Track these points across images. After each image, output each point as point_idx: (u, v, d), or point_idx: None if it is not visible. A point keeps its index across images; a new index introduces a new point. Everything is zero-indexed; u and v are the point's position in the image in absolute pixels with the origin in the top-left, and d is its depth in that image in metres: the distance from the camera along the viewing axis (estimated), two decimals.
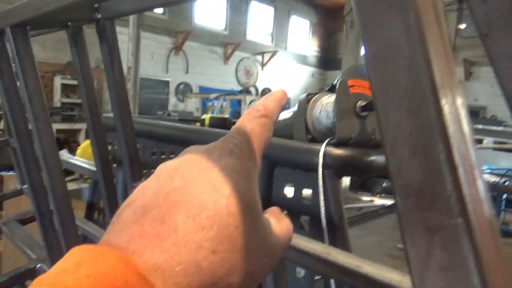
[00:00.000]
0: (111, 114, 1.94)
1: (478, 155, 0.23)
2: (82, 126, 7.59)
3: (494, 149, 8.09)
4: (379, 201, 8.25)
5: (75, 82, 7.71)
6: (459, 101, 0.23)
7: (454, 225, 0.20)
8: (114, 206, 1.27)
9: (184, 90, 10.34)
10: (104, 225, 1.66)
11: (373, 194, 8.78)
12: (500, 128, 8.80)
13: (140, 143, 1.46)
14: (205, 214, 0.24)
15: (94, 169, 1.39)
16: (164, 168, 0.29)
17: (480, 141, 8.65)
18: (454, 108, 0.22)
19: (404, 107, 0.23)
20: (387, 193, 8.80)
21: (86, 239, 1.56)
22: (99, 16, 1.01)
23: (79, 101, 7.80)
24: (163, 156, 1.50)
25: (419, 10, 0.22)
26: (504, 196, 6.57)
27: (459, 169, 0.21)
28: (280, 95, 0.36)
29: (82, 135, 7.64)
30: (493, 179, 6.85)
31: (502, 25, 0.41)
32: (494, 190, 6.54)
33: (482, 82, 10.31)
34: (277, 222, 0.33)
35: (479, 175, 0.22)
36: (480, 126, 8.75)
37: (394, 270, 0.60)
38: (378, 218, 7.25)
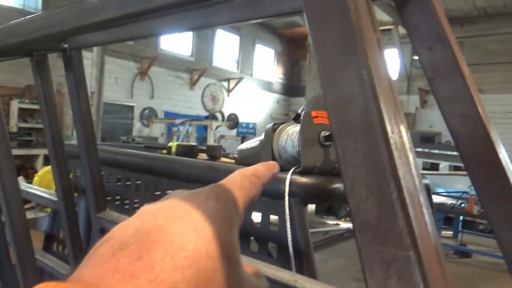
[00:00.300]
0: (73, 142, 1.90)
1: (425, 192, 0.26)
2: (40, 152, 7.27)
3: (450, 175, 8.48)
4: (344, 224, 8.39)
5: (33, 106, 7.43)
6: (408, 145, 0.26)
7: (406, 257, 0.23)
8: (76, 237, 1.22)
9: (149, 115, 10.21)
10: (63, 258, 1.59)
11: (338, 217, 8.93)
12: (454, 153, 9.31)
13: (104, 171, 1.43)
14: (184, 254, 0.24)
15: (55, 198, 1.35)
16: (148, 208, 0.28)
17: (437, 165, 9.09)
18: (404, 152, 0.25)
19: (361, 151, 0.26)
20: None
21: (44, 272, 1.48)
22: (66, 46, 1.01)
23: (37, 126, 7.51)
24: (128, 183, 1.47)
25: (371, 67, 0.26)
26: (461, 217, 6.89)
27: (409, 206, 0.24)
28: (272, 165, 0.38)
29: (39, 161, 7.31)
30: (450, 201, 7.16)
31: (446, 71, 0.46)
32: (452, 212, 6.85)
33: (436, 109, 10.83)
34: (255, 278, 0.33)
35: (427, 211, 0.25)
36: (436, 151, 9.23)
37: None
38: (343, 241, 7.30)
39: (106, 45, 5.38)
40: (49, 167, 4.51)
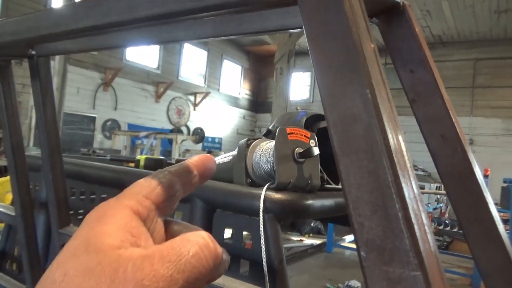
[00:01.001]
0: (32, 153, 1.80)
1: (426, 213, 0.26)
2: None
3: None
4: (308, 240, 8.43)
5: None
6: (409, 164, 0.26)
7: (414, 277, 0.23)
8: (34, 255, 1.15)
9: (111, 127, 9.92)
10: (18, 276, 1.48)
11: (302, 233, 8.98)
12: (420, 172, 9.70)
13: (67, 185, 1.36)
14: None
15: (12, 213, 1.26)
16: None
17: None
18: (406, 171, 0.26)
19: (365, 169, 0.26)
20: (315, 232, 9.06)
21: None
22: (33, 52, 0.97)
23: None
24: (92, 196, 1.41)
25: (374, 86, 0.26)
26: None
27: (415, 226, 0.24)
28: (205, 158, 0.37)
29: None
30: None
31: (426, 94, 0.48)
32: None
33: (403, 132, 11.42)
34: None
35: (429, 232, 0.25)
36: None
37: None
38: (307, 257, 7.35)
39: (74, 53, 5.22)
40: (1, 180, 4.25)
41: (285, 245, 7.73)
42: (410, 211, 0.24)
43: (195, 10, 0.42)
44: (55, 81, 5.67)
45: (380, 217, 0.24)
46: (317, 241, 8.21)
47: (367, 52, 0.27)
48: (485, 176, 7.07)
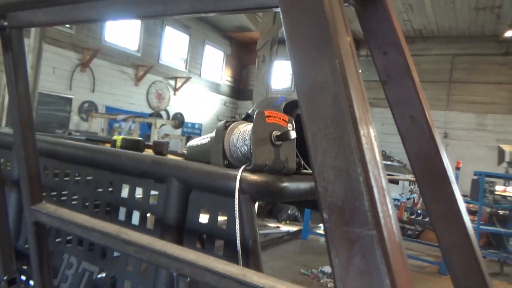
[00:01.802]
0: (3, 130, 1.74)
1: (386, 178, 0.28)
2: None
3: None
4: (284, 227, 8.55)
5: None
6: (372, 133, 0.27)
7: (370, 235, 0.24)
8: (4, 232, 1.13)
9: (88, 109, 9.68)
10: None
11: (279, 220, 9.09)
12: (388, 163, 9.94)
13: (40, 163, 1.34)
14: None
15: None
16: None
17: None
18: (370, 138, 0.27)
19: (331, 136, 0.27)
20: (292, 220, 9.19)
21: None
22: (5, 24, 0.94)
23: None
24: (66, 178, 1.39)
25: (342, 58, 0.27)
26: None
27: (374, 189, 0.25)
28: None
29: None
30: None
31: (398, 75, 0.49)
32: None
33: (374, 121, 11.46)
34: None
35: (388, 195, 0.27)
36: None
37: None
38: (283, 243, 7.46)
39: (49, 26, 5.03)
40: None
41: (262, 232, 7.82)
42: (371, 175, 0.25)
43: None
44: (30, 59, 5.48)
45: (342, 180, 0.25)
46: (293, 228, 8.34)
47: (337, 26, 0.28)
48: (457, 169, 7.30)
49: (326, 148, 0.26)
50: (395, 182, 9.15)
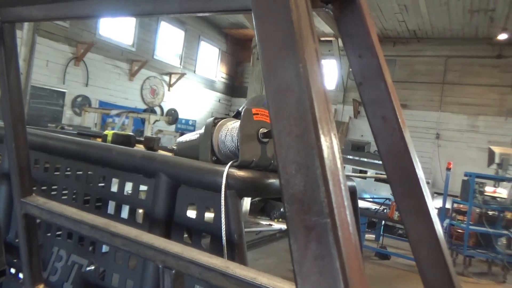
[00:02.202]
0: None
1: (344, 173, 0.30)
2: None
3: (376, 180, 9.11)
4: (276, 225, 8.60)
5: None
6: (332, 132, 0.30)
7: (324, 223, 0.27)
8: None
9: (82, 104, 9.64)
10: None
11: (271, 218, 9.13)
12: (381, 162, 9.99)
13: (30, 156, 1.35)
14: None
15: None
16: None
17: (365, 172, 9.70)
18: (329, 137, 0.29)
19: (294, 134, 0.29)
20: (284, 217, 9.24)
21: None
22: None
23: None
24: (57, 173, 1.40)
25: (306, 62, 0.30)
26: (383, 222, 7.43)
27: (330, 182, 0.28)
28: None
29: None
30: (374, 207, 7.67)
31: (371, 77, 0.52)
32: (375, 217, 7.34)
33: (365, 119, 11.75)
34: None
35: (344, 188, 0.29)
36: (365, 159, 9.86)
37: (286, 281, 0.67)
38: (275, 241, 7.48)
39: (42, 21, 5.00)
40: None
41: (254, 229, 7.85)
42: (327, 169, 0.28)
43: None
44: (23, 52, 5.44)
45: (302, 174, 0.28)
46: (285, 226, 8.38)
47: (303, 32, 0.30)
48: (448, 169, 7.39)
49: (289, 145, 0.28)
50: (386, 181, 9.23)
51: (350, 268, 0.26)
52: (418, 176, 0.50)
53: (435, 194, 10.54)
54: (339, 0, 0.51)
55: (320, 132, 0.28)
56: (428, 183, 5.96)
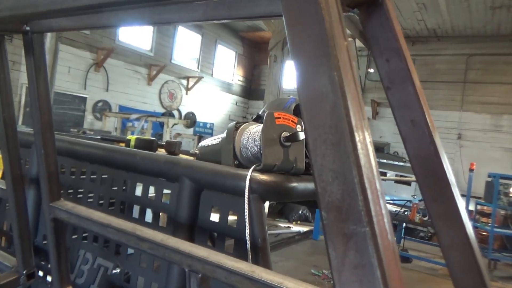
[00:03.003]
0: (23, 129, 1.80)
1: (380, 181, 0.30)
2: None
3: (396, 181, 8.96)
4: (295, 227, 8.56)
5: None
6: (368, 139, 0.30)
7: (363, 232, 0.27)
8: (24, 228, 1.18)
9: (102, 108, 9.84)
10: (7, 250, 1.51)
11: (290, 221, 9.11)
12: (401, 164, 9.87)
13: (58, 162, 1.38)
14: None
15: (3, 187, 1.28)
16: None
17: (384, 174, 9.57)
18: (365, 144, 0.29)
19: (329, 142, 0.29)
20: (303, 220, 9.20)
21: None
22: (28, 29, 0.98)
23: None
24: (83, 177, 1.44)
25: (341, 70, 0.30)
26: (404, 225, 7.30)
27: (368, 190, 0.28)
28: None
29: None
30: (395, 209, 7.56)
31: (400, 81, 0.51)
32: (396, 219, 7.23)
33: (387, 121, 11.54)
34: None
35: (381, 196, 0.29)
36: (384, 161, 9.72)
37: (313, 286, 0.67)
38: (294, 244, 7.46)
39: (68, 31, 5.13)
40: None
41: (273, 232, 7.85)
42: (365, 177, 0.28)
43: None
44: (47, 60, 5.60)
45: (340, 182, 0.28)
46: (304, 228, 8.34)
47: (337, 39, 0.30)
48: (471, 170, 7.21)
49: (325, 153, 0.28)
50: (407, 183, 9.08)
51: (391, 277, 0.26)
52: (449, 180, 0.49)
53: None
54: (365, 4, 0.51)
55: (357, 139, 0.28)
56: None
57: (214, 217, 1.10)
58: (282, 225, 8.70)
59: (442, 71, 11.30)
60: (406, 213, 7.26)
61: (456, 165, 10.92)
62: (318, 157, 0.29)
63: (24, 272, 1.21)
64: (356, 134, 0.28)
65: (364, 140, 0.29)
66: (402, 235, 7.41)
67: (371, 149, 0.29)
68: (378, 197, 0.28)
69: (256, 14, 0.60)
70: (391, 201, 8.40)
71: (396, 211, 7.45)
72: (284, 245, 7.04)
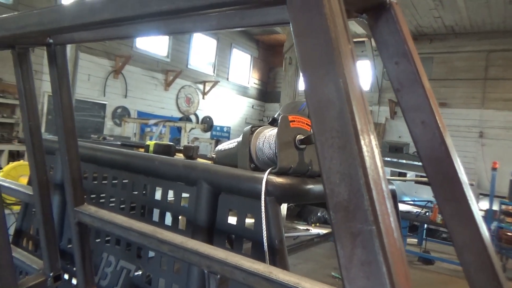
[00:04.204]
0: (47, 137, 1.87)
1: (386, 181, 0.31)
2: (5, 147, 7.01)
3: (416, 182, 8.81)
4: (314, 230, 8.51)
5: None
6: (374, 142, 0.31)
7: (369, 230, 0.28)
8: (50, 230, 1.23)
9: (121, 114, 10.05)
10: (34, 253, 1.57)
11: (309, 223, 9.06)
12: (421, 164, 9.66)
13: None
14: None
15: (30, 192, 1.34)
16: None
17: (405, 174, 9.42)
18: (370, 147, 0.31)
19: (336, 146, 0.31)
20: (322, 222, 9.13)
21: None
22: (51, 41, 1.03)
23: (2, 120, 7.24)
24: (104, 182, 1.48)
25: (346, 77, 0.31)
26: (425, 226, 7.17)
27: (373, 191, 0.29)
28: None
29: (4, 157, 7.03)
30: (416, 210, 7.42)
31: (409, 84, 0.52)
32: (416, 220, 7.10)
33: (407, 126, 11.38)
34: None
35: (387, 196, 0.30)
36: (404, 161, 9.57)
37: (329, 286, 0.68)
38: (313, 246, 7.41)
39: (89, 42, 5.30)
40: (14, 164, 4.37)
41: (291, 234, 7.83)
42: (370, 179, 0.29)
43: (201, 7, 0.47)
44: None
45: (346, 183, 0.30)
46: (323, 231, 8.29)
47: (342, 48, 0.32)
48: (493, 169, 7.03)
49: (332, 156, 0.30)
50: (428, 183, 8.90)
51: (397, 273, 0.27)
52: (461, 180, 0.50)
53: (481, 195, 10.04)
54: (373, 9, 0.52)
55: (362, 143, 0.29)
56: (472, 185, 5.69)
57: (232, 219, 1.12)
58: (301, 227, 8.67)
59: (461, 68, 11.08)
60: (427, 214, 7.13)
61: (478, 164, 10.66)
62: (326, 160, 0.31)
63: (51, 274, 1.25)
64: (361, 137, 0.29)
65: (370, 143, 0.30)
66: (424, 237, 7.27)
67: (376, 151, 0.31)
68: (384, 197, 0.29)
69: (267, 22, 0.62)
70: (412, 202, 8.26)
71: (417, 212, 7.32)
72: (303, 248, 7.01)
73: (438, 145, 0.52)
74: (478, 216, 0.51)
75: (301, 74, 0.36)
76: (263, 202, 0.97)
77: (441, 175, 0.52)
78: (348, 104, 0.30)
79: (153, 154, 1.44)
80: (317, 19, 0.33)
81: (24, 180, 3.39)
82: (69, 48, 5.83)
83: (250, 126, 1.19)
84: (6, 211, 4.91)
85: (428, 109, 0.52)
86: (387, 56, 0.53)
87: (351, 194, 0.29)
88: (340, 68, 0.31)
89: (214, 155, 1.39)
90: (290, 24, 0.35)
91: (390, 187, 1.47)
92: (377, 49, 0.53)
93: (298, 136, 1.04)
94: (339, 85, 0.31)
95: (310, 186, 1.03)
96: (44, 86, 7.90)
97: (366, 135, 0.30)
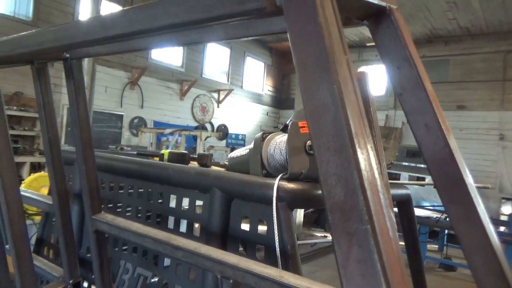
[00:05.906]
0: (65, 148, 1.92)
1: (382, 183, 0.32)
2: (26, 159, 7.21)
3: (435, 187, 8.63)
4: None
5: (20, 113, 7.40)
6: (369, 145, 0.33)
7: (365, 229, 0.29)
8: (69, 240, 1.26)
9: (138, 125, 10.22)
10: (54, 261, 1.61)
11: (326, 229, 8.98)
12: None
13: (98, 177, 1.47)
14: None
15: (50, 202, 1.38)
16: None
17: (423, 179, 9.26)
18: (365, 150, 0.32)
19: (332, 149, 0.32)
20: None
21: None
22: (67, 55, 1.07)
23: (24, 133, 7.45)
24: (121, 191, 1.52)
25: (340, 83, 0.33)
26: (446, 231, 7.01)
27: (368, 192, 0.30)
28: None
29: (26, 169, 7.23)
30: (435, 215, 7.27)
31: (411, 88, 0.53)
32: (437, 226, 6.95)
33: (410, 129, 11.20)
34: None
35: (383, 197, 0.31)
36: (422, 166, 9.42)
37: None
38: (331, 253, 7.32)
39: (104, 56, 5.44)
40: (36, 175, 4.50)
41: (309, 241, 7.78)
42: (365, 180, 0.30)
43: (206, 19, 0.49)
44: (85, 81, 5.92)
45: (342, 185, 0.31)
46: None
47: (337, 55, 0.33)
48: None
49: (328, 159, 0.31)
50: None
51: (391, 270, 0.28)
52: (467, 182, 0.51)
53: (503, 199, 9.76)
54: (374, 16, 0.53)
55: (357, 146, 0.30)
56: (488, 188, 5.52)
57: (245, 225, 1.13)
58: (318, 234, 8.60)
59: (478, 70, 10.88)
60: (447, 219, 6.98)
61: (499, 167, 10.40)
62: (323, 163, 0.32)
63: (71, 282, 1.29)
64: (356, 141, 0.31)
65: (365, 146, 0.31)
66: (445, 242, 7.11)
67: (372, 153, 0.32)
68: (379, 198, 0.30)
69: (272, 31, 0.64)
70: (431, 207, 8.09)
71: (436, 217, 7.17)
72: (320, 255, 6.95)
73: (441, 147, 0.52)
74: (486, 218, 0.51)
75: (299, 82, 0.37)
76: (274, 207, 0.98)
77: (446, 178, 0.52)
78: (343, 109, 0.32)
79: (168, 163, 1.47)
80: (312, 28, 0.34)
81: (45, 191, 3.48)
82: (86, 61, 5.99)
83: (261, 132, 1.21)
84: (28, 222, 5.05)
85: (431, 112, 0.52)
86: (389, 61, 0.54)
87: (347, 195, 0.30)
88: (334, 74, 0.32)
89: (227, 162, 1.41)
90: (287, 33, 0.37)
91: (404, 191, 1.46)
92: (379, 54, 0.54)
93: (308, 141, 1.05)
94: (334, 91, 0.32)
95: (320, 191, 1.03)
96: (64, 99, 8.11)
97: (361, 138, 0.32)
